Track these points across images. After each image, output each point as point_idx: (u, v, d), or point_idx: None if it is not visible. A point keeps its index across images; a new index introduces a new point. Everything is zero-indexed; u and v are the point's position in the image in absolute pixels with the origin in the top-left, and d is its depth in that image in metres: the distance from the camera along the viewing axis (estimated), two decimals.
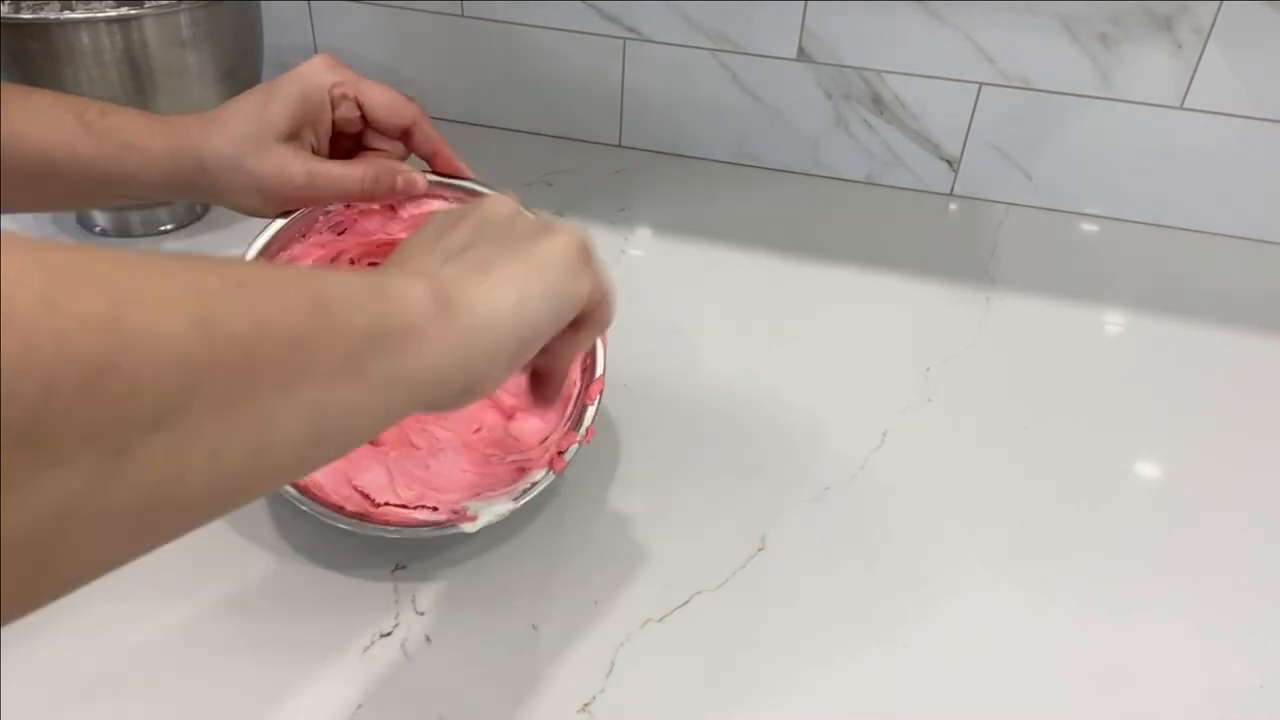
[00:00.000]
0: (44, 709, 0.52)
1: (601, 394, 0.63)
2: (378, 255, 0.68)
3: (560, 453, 0.61)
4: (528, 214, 0.49)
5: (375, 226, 0.67)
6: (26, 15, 0.76)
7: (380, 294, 0.37)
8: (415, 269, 0.43)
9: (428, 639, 0.56)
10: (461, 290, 0.41)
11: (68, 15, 0.76)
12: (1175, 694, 0.56)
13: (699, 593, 0.60)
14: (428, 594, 0.59)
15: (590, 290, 0.47)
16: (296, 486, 0.57)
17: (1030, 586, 0.62)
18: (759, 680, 0.55)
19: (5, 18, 0.75)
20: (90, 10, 0.78)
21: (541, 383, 0.53)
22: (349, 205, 0.64)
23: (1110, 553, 0.65)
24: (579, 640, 0.57)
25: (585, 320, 0.49)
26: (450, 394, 0.40)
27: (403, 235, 0.67)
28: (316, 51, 1.14)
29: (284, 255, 0.63)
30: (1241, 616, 0.61)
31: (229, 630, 0.56)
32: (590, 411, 0.62)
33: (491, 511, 0.58)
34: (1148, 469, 0.72)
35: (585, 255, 0.47)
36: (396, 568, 0.60)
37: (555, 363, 0.50)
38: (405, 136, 0.64)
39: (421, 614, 0.58)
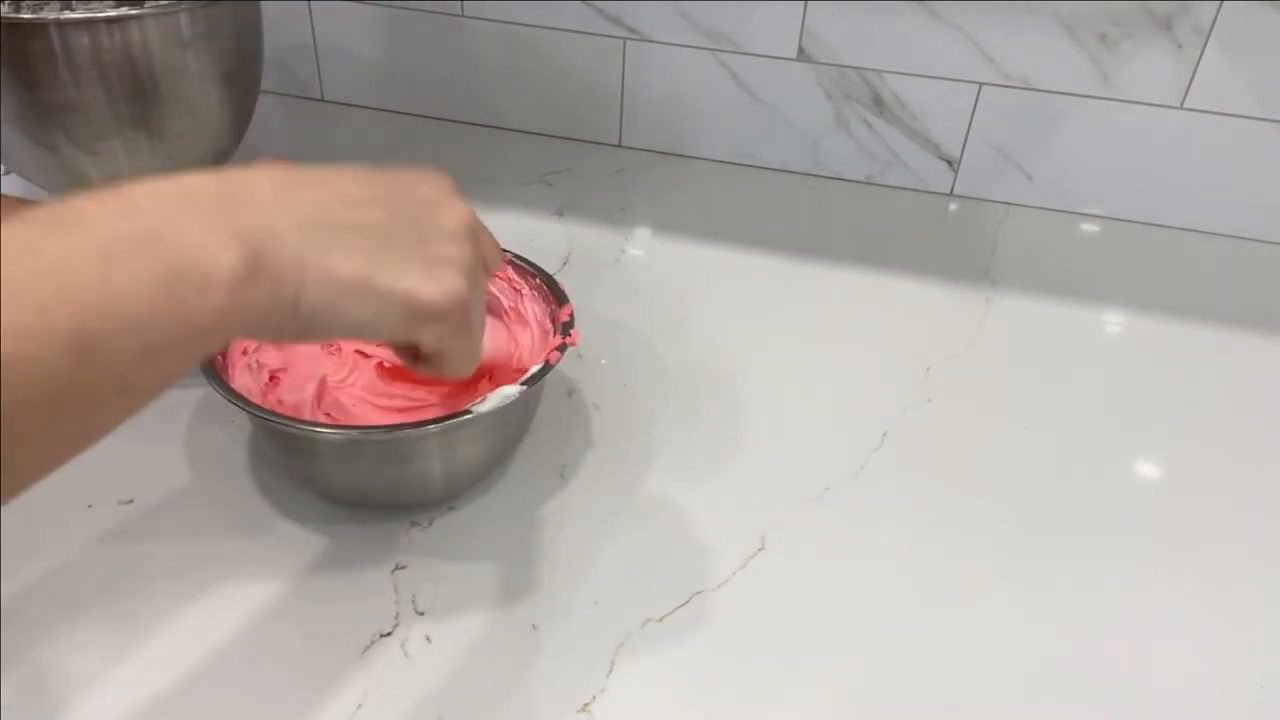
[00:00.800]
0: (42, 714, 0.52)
1: (573, 315, 0.66)
2: None
3: (554, 349, 0.63)
4: (462, 234, 0.47)
5: None
6: (26, 15, 0.75)
7: (172, 295, 0.35)
8: (270, 228, 0.39)
9: (428, 639, 0.56)
10: (296, 268, 0.39)
11: (67, 15, 0.76)
12: (1175, 693, 0.56)
13: (699, 593, 0.60)
14: (427, 594, 0.59)
15: (433, 342, 0.46)
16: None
17: (1030, 586, 0.62)
18: (759, 680, 0.55)
19: (4, 17, 0.75)
20: (90, 10, 0.77)
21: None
22: None
23: (1110, 552, 0.65)
24: (579, 640, 0.57)
25: (429, 360, 0.48)
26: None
27: None
28: (317, 52, 1.15)
29: None
30: (1241, 616, 0.61)
31: (228, 630, 0.56)
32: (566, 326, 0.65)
33: (499, 396, 0.58)
34: (1147, 469, 0.72)
35: (455, 312, 0.45)
36: (396, 567, 0.60)
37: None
38: None
39: (421, 614, 0.58)
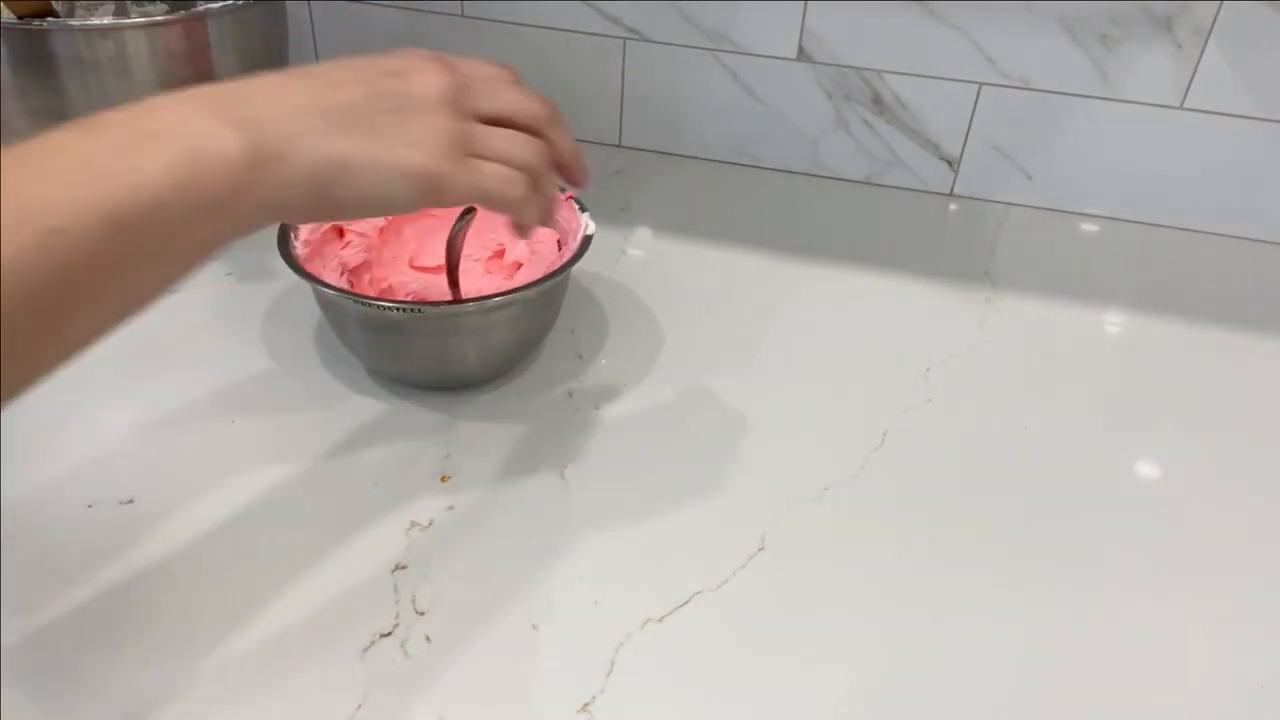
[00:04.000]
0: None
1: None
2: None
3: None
4: (433, 101, 0.49)
5: None
6: (76, 21, 0.76)
7: (187, 174, 0.39)
8: (268, 116, 0.43)
9: (428, 639, 0.56)
10: (294, 144, 0.43)
11: (95, 23, 0.76)
12: (1176, 694, 0.56)
13: (699, 593, 0.60)
14: (428, 593, 0.59)
15: (466, 200, 0.50)
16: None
17: (1030, 586, 0.62)
18: (758, 681, 0.55)
19: (34, 25, 0.75)
20: (116, 17, 0.77)
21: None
22: None
23: (1111, 553, 0.65)
24: (579, 640, 0.57)
25: (509, 220, 0.55)
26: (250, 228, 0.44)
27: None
28: (317, 53, 1.15)
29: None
30: (1242, 616, 0.61)
31: (227, 631, 0.56)
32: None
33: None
34: (1148, 469, 0.72)
35: (451, 175, 0.49)
36: (397, 567, 0.60)
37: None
38: None
39: (422, 614, 0.58)
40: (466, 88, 0.51)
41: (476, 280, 0.80)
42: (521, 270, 0.80)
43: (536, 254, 0.79)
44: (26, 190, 0.35)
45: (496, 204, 0.52)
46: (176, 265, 0.41)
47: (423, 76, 0.50)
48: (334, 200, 0.45)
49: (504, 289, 0.68)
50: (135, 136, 0.39)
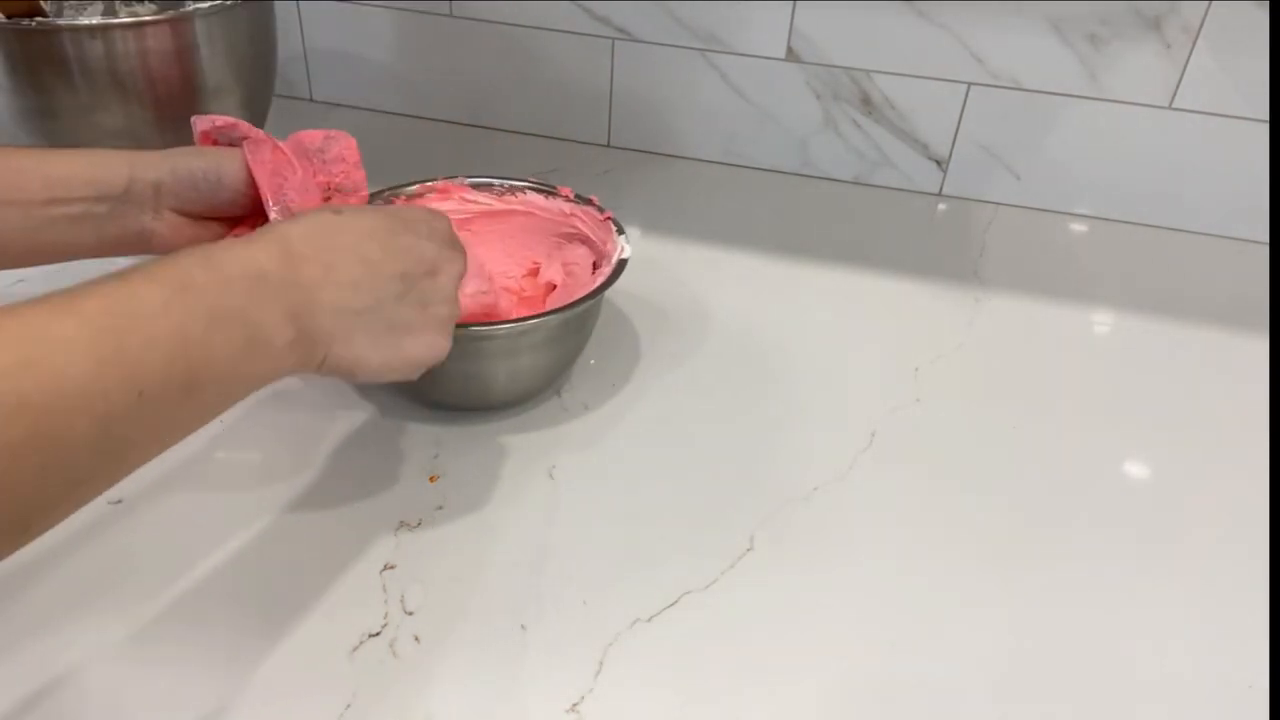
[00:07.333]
0: None
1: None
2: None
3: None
4: (452, 293, 0.59)
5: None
6: (61, 21, 0.75)
7: (250, 358, 0.47)
8: (312, 310, 0.50)
9: (416, 639, 0.56)
10: (325, 344, 0.52)
11: (84, 22, 0.75)
12: (1164, 694, 0.56)
13: (688, 592, 0.60)
14: (416, 593, 0.59)
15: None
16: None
17: (1018, 586, 0.62)
18: (747, 680, 0.55)
19: (19, 26, 0.75)
20: (105, 17, 0.77)
21: None
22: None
23: (1098, 552, 0.65)
24: (567, 640, 0.57)
25: None
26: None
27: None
28: (305, 52, 1.14)
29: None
30: (1230, 616, 0.61)
31: (216, 632, 0.56)
32: None
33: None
34: (1136, 468, 0.72)
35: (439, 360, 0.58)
36: (385, 567, 0.60)
37: None
38: None
39: (410, 614, 0.57)
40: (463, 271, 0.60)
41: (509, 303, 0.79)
42: (555, 293, 0.78)
43: (571, 276, 0.78)
44: (123, 357, 0.40)
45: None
46: (216, 411, 0.47)
47: (449, 270, 0.58)
48: (352, 378, 0.55)
49: (535, 313, 0.67)
50: (217, 312, 0.45)
